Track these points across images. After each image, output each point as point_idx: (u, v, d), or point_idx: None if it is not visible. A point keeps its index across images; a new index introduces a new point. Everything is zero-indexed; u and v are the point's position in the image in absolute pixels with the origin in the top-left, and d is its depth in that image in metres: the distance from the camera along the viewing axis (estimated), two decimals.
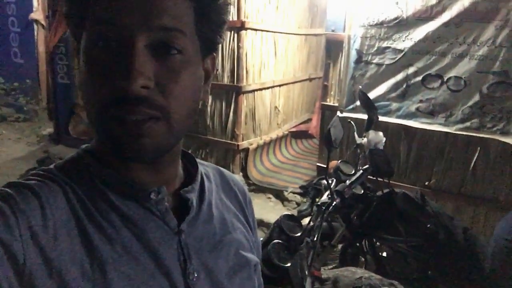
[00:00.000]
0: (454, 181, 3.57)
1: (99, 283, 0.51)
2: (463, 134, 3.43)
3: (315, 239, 1.71)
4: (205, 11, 0.57)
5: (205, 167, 0.74)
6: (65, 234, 0.51)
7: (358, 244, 2.37)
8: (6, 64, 7.34)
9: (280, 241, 1.69)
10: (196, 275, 0.60)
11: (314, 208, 1.99)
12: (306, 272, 1.41)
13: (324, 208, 1.87)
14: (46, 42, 6.05)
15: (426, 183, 3.67)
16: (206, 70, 0.62)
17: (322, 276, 1.62)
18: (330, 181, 2.04)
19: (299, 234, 1.74)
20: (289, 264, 1.53)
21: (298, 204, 4.31)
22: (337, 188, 1.98)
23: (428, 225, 2.20)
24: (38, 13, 6.55)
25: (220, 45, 0.64)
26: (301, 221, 2.08)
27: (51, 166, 0.59)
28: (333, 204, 1.89)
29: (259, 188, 4.67)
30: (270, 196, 4.56)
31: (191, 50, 0.56)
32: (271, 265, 1.60)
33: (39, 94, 6.96)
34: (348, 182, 2.05)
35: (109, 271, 0.52)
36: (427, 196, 2.50)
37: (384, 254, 2.46)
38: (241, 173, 4.83)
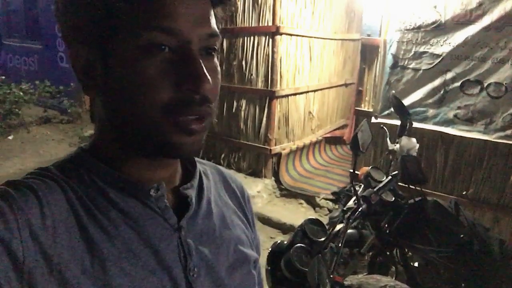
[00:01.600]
0: (493, 191, 3.41)
1: (100, 280, 0.51)
2: (503, 143, 3.28)
3: (339, 244, 1.68)
4: (218, 13, 0.60)
5: (203, 165, 0.75)
6: (64, 231, 0.51)
7: (388, 253, 2.31)
8: (52, 68, 7.70)
9: (303, 245, 1.67)
10: (196, 271, 0.61)
11: (341, 213, 1.96)
12: (326, 278, 1.39)
13: (349, 213, 1.84)
14: None
15: (464, 193, 3.53)
16: None
17: (346, 283, 1.59)
18: (358, 187, 2.01)
19: (323, 239, 1.71)
20: None
21: (330, 210, 4.24)
22: (363, 194, 1.94)
23: (462, 236, 2.12)
24: None
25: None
26: (328, 227, 2.06)
27: (50, 165, 0.59)
28: (359, 210, 1.85)
29: (291, 194, 4.64)
30: (302, 201, 4.53)
31: (218, 49, 0.60)
32: (293, 269, 1.59)
33: (82, 97, 7.24)
34: (376, 188, 2.01)
35: (110, 268, 0.52)
36: (464, 206, 2.40)
37: (416, 264, 2.38)
38: (273, 178, 4.82)
